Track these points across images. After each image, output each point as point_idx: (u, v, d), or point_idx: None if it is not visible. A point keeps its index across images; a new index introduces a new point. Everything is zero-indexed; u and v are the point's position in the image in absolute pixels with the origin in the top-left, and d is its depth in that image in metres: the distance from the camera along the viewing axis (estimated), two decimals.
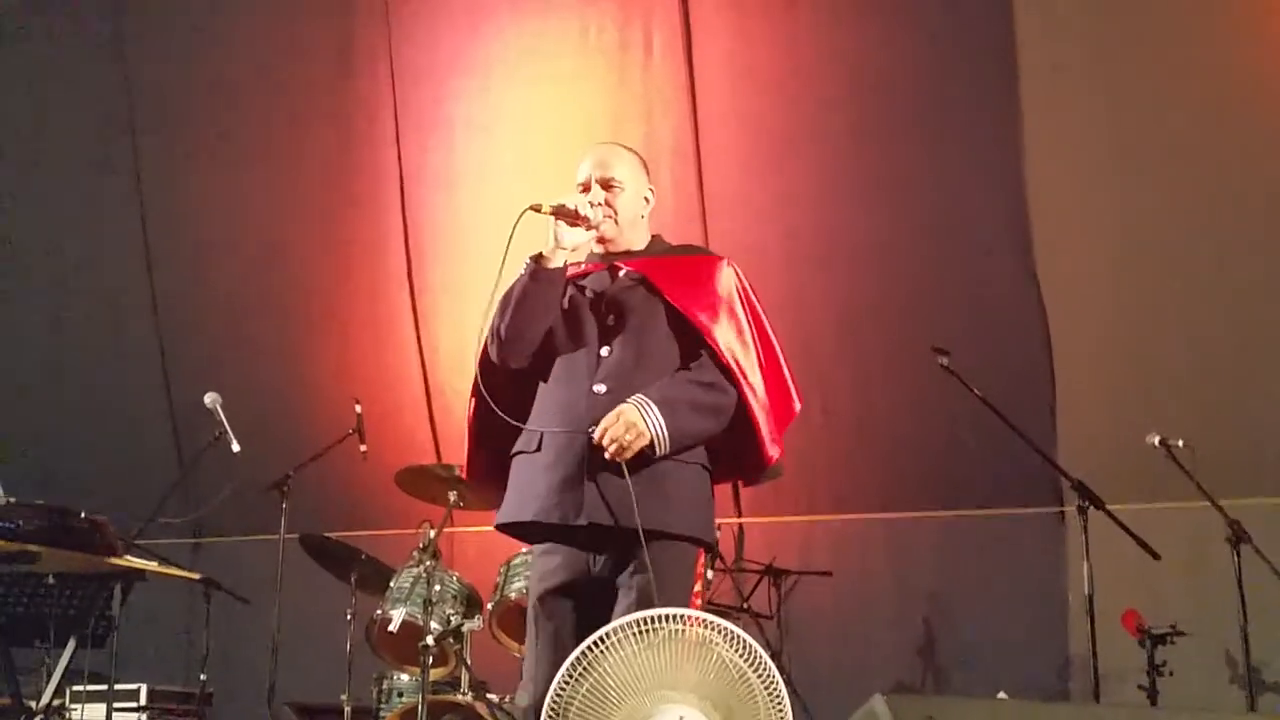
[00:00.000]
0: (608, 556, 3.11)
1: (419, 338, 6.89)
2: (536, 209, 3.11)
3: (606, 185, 3.31)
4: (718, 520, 6.00)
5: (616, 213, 3.30)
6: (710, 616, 2.68)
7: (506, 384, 3.23)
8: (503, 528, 3.24)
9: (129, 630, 5.30)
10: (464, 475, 3.46)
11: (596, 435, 3.04)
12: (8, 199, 7.11)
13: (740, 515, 6.59)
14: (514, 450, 3.23)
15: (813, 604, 6.15)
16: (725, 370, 3.19)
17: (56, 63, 6.95)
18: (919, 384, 5.81)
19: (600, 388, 3.14)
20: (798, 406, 3.36)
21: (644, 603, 2.93)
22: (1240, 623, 4.85)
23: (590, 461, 3.07)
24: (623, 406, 3.05)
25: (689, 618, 2.66)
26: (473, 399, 3.29)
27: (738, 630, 2.67)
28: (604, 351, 3.19)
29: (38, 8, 6.96)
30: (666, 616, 2.66)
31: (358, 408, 5.72)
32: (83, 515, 4.46)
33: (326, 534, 5.60)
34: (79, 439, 6.96)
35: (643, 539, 2.98)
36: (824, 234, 6.36)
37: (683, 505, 3.15)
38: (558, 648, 3.01)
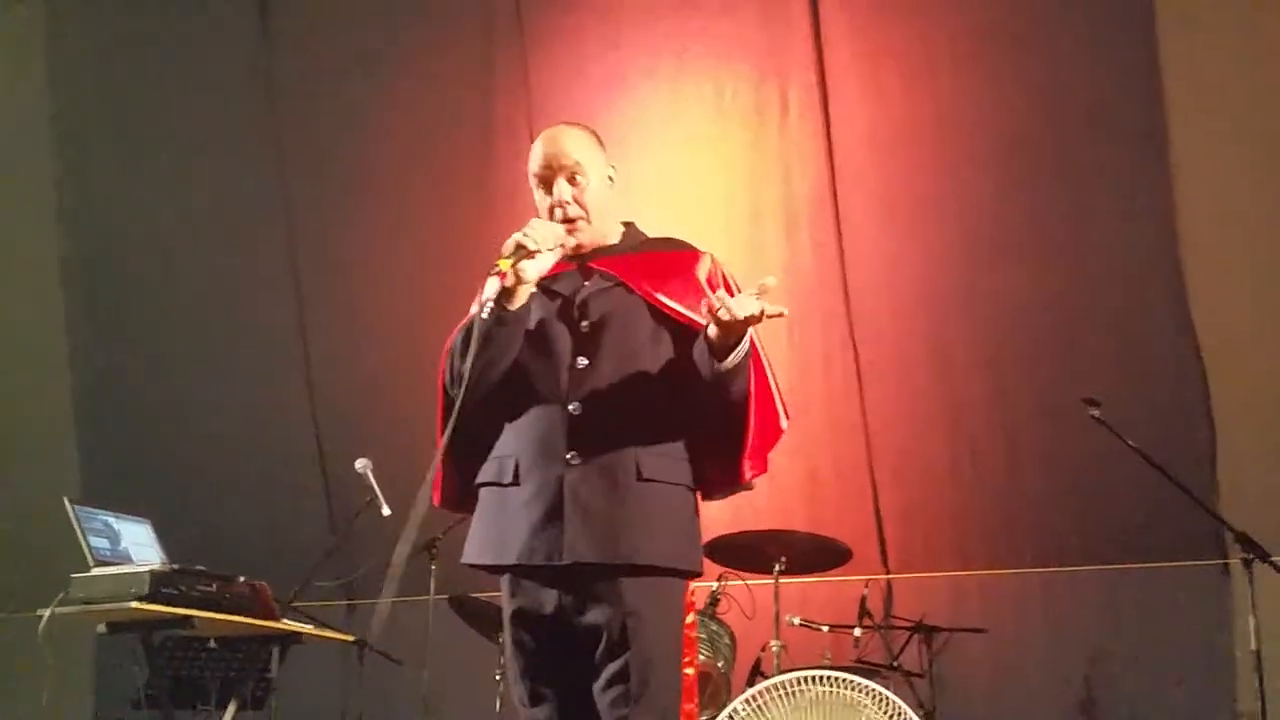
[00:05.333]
0: (588, 590, 2.83)
1: None
2: (500, 274, 2.79)
3: (572, 179, 2.95)
4: (866, 576, 6.02)
5: (588, 211, 2.95)
6: (860, 679, 2.65)
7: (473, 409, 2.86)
8: (475, 565, 2.99)
9: (286, 691, 5.42)
10: (435, 502, 3.10)
11: (708, 305, 2.72)
12: (165, 272, 7.38)
13: (889, 571, 6.49)
14: (482, 480, 2.96)
15: (966, 662, 6.01)
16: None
17: (211, 140, 7.22)
18: (1071, 434, 5.69)
19: (575, 407, 2.83)
20: (784, 424, 2.99)
21: (639, 645, 2.78)
22: None
23: (573, 494, 2.80)
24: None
25: (837, 679, 2.63)
26: (441, 424, 3.00)
27: (888, 693, 2.63)
28: (579, 362, 2.87)
29: (191, 88, 7.24)
30: (816, 679, 2.63)
31: None
32: (243, 580, 4.58)
33: (475, 595, 5.66)
34: (236, 506, 7.14)
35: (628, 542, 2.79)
36: (968, 288, 6.27)
37: (670, 535, 2.86)
38: (531, 674, 2.92)
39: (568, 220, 2.95)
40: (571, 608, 2.84)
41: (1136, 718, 5.92)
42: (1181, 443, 5.85)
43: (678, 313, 2.91)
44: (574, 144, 2.98)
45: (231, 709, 5.05)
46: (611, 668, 2.80)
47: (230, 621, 4.50)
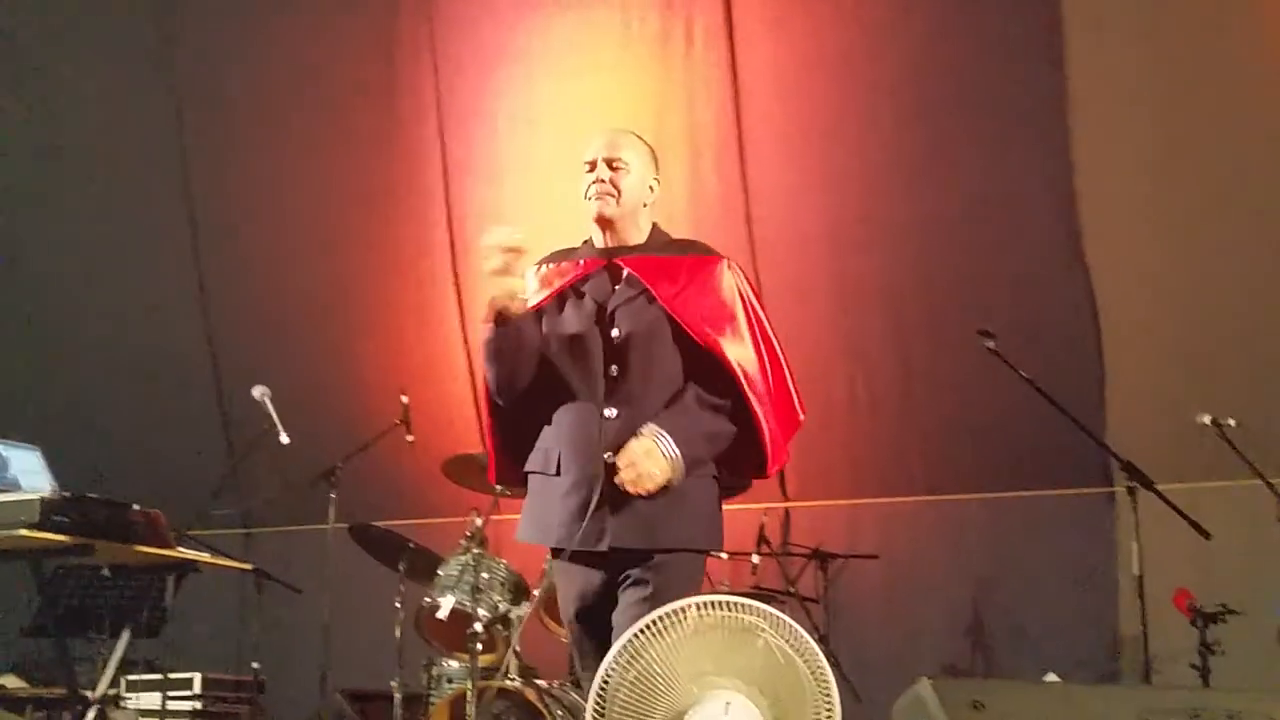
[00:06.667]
0: (622, 563, 3.16)
1: (464, 329, 6.92)
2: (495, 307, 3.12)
3: (611, 165, 3.29)
4: (765, 505, 6.11)
5: (620, 193, 3.28)
6: (757, 603, 2.69)
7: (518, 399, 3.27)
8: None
9: (182, 620, 5.38)
10: (491, 479, 3.54)
11: (619, 477, 3.07)
12: (56, 198, 7.20)
13: (787, 499, 6.59)
14: (530, 468, 3.30)
15: (860, 587, 6.15)
16: (736, 389, 3.19)
17: (102, 63, 7.02)
18: (965, 364, 5.79)
19: (611, 412, 3.17)
20: (802, 417, 3.34)
21: (659, 599, 2.95)
22: None
23: (607, 487, 3.12)
24: (643, 444, 3.08)
25: (735, 604, 2.67)
26: (487, 408, 3.35)
27: (784, 617, 2.68)
28: (612, 370, 3.21)
29: (85, 9, 7.03)
30: (713, 604, 2.66)
31: (404, 398, 5.75)
32: (137, 508, 4.51)
33: (375, 523, 5.64)
34: (131, 433, 7.04)
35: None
36: (867, 217, 6.34)
37: (701, 520, 3.21)
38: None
39: (601, 194, 3.28)
40: (611, 569, 3.18)
41: (1023, 640, 6.10)
42: (1072, 372, 5.99)
43: (692, 330, 3.21)
44: (626, 143, 3.34)
45: (125, 637, 4.99)
46: (634, 574, 3.14)
47: (124, 550, 4.43)
